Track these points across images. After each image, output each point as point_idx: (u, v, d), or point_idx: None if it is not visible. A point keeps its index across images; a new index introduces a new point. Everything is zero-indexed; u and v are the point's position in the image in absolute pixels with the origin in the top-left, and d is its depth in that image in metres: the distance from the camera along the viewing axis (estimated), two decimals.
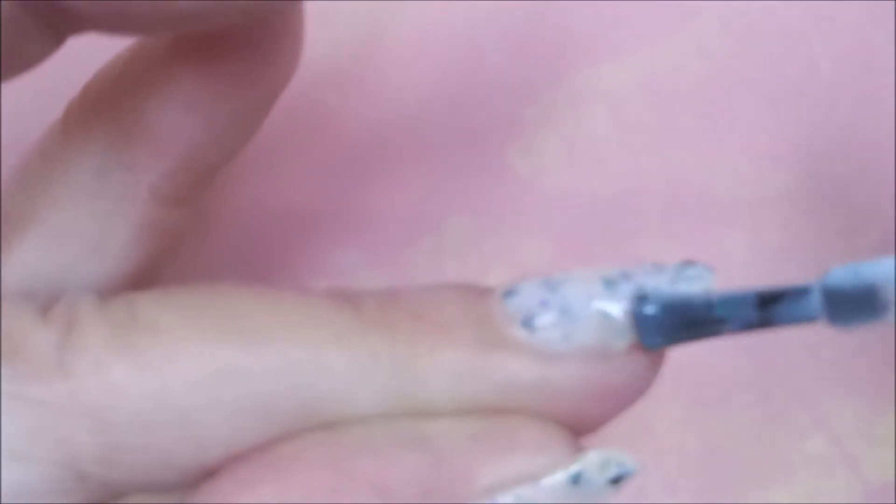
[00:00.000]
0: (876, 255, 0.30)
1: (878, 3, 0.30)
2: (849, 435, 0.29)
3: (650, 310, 0.18)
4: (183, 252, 0.29)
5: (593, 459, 0.18)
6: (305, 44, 0.23)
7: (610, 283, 0.18)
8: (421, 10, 0.31)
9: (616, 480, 0.18)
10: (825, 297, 0.17)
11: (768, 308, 0.18)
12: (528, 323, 0.18)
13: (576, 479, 0.18)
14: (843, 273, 0.17)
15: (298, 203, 0.30)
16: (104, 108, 0.22)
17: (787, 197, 0.30)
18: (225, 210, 0.30)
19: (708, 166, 0.30)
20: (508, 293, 0.18)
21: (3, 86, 0.19)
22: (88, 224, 0.22)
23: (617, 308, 0.18)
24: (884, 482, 0.29)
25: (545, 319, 0.18)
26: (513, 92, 0.31)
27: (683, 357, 0.29)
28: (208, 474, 0.18)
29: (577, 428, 0.19)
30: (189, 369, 0.17)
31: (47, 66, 0.21)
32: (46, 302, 0.18)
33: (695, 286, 0.18)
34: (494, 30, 0.31)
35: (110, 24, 0.18)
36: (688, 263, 0.19)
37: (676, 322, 0.18)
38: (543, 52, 0.31)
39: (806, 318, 0.18)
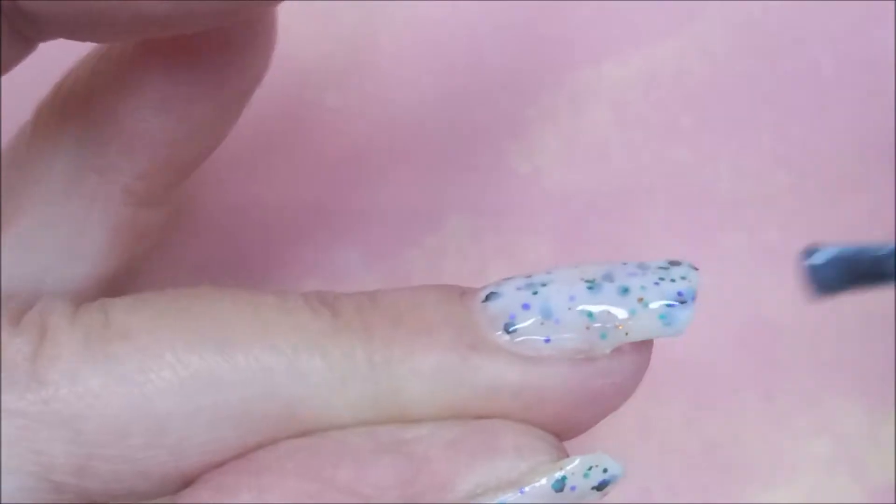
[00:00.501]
0: None
1: (878, 3, 0.30)
2: (851, 436, 0.29)
3: (820, 261, 0.18)
4: (179, 252, 0.29)
5: (577, 465, 0.18)
6: (305, 44, 0.22)
7: (593, 285, 0.18)
8: (420, 10, 0.31)
9: (601, 486, 0.18)
10: None
11: None
12: (509, 326, 0.18)
13: (559, 485, 0.18)
14: None
15: (298, 202, 0.30)
16: (75, 109, 0.22)
17: (787, 196, 0.30)
18: (223, 209, 0.30)
19: (708, 166, 0.30)
20: (490, 296, 0.18)
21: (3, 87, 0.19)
22: (62, 227, 0.22)
23: (600, 310, 0.18)
24: (886, 483, 0.29)
25: (527, 322, 0.18)
26: (513, 91, 0.31)
27: (684, 357, 0.29)
28: (187, 483, 0.18)
29: (562, 432, 0.19)
30: (164, 376, 0.17)
31: (47, 68, 0.21)
32: (19, 309, 0.18)
33: (680, 287, 0.18)
34: (495, 29, 0.31)
35: (78, 29, 0.18)
36: (673, 262, 0.19)
37: (848, 274, 0.18)
38: (544, 52, 0.31)
39: None
